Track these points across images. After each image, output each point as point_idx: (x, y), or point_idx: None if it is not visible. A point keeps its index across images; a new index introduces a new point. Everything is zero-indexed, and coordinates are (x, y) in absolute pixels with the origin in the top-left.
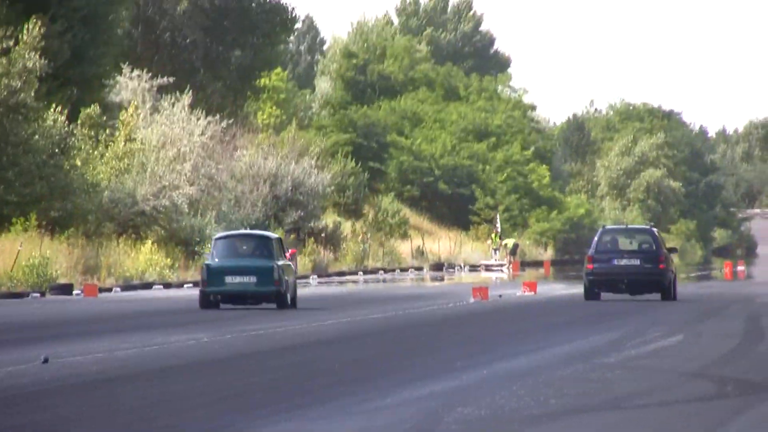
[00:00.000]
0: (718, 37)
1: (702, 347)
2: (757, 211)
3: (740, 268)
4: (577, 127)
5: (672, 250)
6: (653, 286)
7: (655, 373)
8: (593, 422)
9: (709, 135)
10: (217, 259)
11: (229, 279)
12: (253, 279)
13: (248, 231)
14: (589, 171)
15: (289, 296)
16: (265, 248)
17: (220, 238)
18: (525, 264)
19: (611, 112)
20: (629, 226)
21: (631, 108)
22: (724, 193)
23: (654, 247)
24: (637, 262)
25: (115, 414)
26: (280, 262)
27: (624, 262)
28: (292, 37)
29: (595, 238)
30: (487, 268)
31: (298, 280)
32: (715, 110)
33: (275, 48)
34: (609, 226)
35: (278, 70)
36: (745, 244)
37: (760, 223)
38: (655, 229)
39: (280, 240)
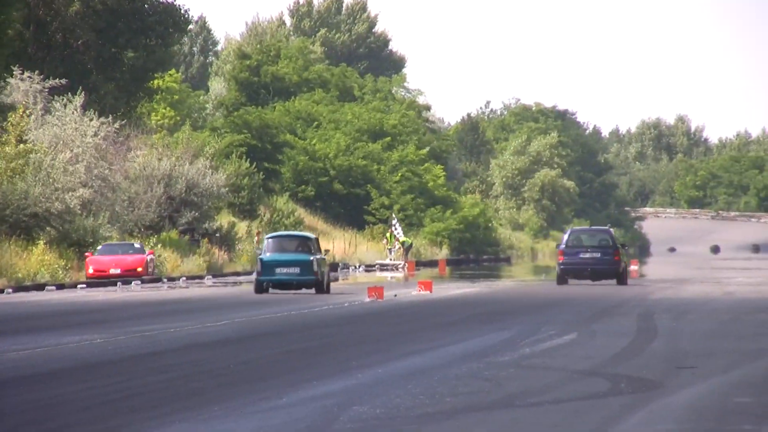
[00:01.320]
0: (611, 38)
1: (595, 345)
2: (650, 210)
3: (633, 267)
4: (471, 127)
5: (623, 245)
6: (610, 273)
7: (549, 372)
8: (487, 420)
9: (603, 135)
10: (268, 254)
11: (278, 270)
12: (296, 270)
13: (292, 232)
14: (484, 171)
15: (324, 283)
16: (306, 246)
17: (271, 237)
18: (420, 263)
19: (505, 113)
20: (591, 227)
21: (525, 108)
22: (618, 193)
23: (610, 243)
24: (597, 255)
25: (1, 417)
26: (317, 257)
27: (587, 255)
28: (185, 39)
29: (565, 236)
30: (383, 267)
31: (191, 281)
32: (609, 110)
33: (168, 49)
34: (575, 228)
35: (172, 71)
36: (638, 243)
37: (653, 222)
38: (611, 230)
39: (316, 239)
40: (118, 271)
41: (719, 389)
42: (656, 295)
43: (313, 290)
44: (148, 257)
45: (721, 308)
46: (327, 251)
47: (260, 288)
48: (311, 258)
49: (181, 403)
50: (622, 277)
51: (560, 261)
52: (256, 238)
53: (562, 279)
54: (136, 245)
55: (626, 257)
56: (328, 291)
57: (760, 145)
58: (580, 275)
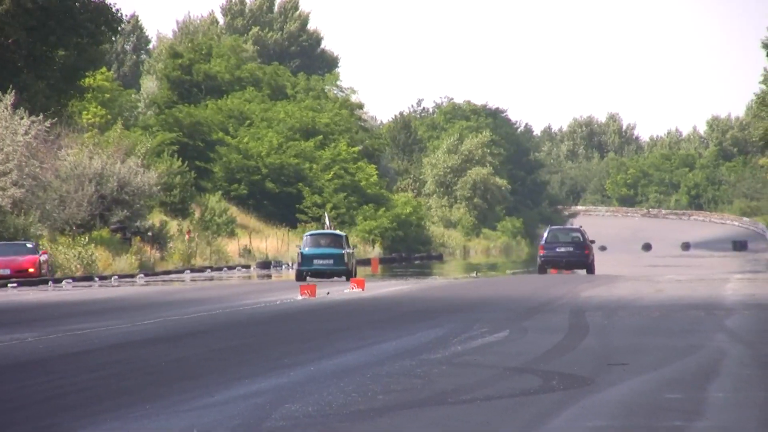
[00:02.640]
0: (543, 37)
1: (527, 342)
2: (582, 208)
3: None
4: (403, 125)
5: (592, 241)
6: (581, 264)
7: (481, 369)
8: (419, 417)
9: (535, 133)
10: (307, 248)
11: (315, 261)
12: (330, 261)
13: (327, 231)
14: (416, 169)
15: (353, 272)
16: (338, 242)
17: (309, 234)
18: None
19: (437, 111)
20: (566, 227)
21: (456, 107)
22: (549, 191)
23: (581, 240)
24: (571, 249)
25: None
26: (347, 251)
27: (563, 249)
28: (117, 37)
29: (545, 234)
30: None
31: (123, 279)
32: (541, 109)
33: (100, 48)
34: (553, 227)
35: (103, 69)
36: None
37: (584, 220)
38: (583, 228)
39: (346, 237)
40: (8, 271)
41: (650, 385)
42: (588, 292)
43: (343, 278)
44: (42, 257)
45: (651, 305)
46: (355, 247)
47: (300, 276)
48: (343, 252)
49: (113, 401)
50: (590, 267)
51: (541, 254)
52: (187, 236)
53: (542, 269)
54: (29, 245)
55: (592, 251)
56: (354, 277)
57: (691, 143)
58: (557, 266)
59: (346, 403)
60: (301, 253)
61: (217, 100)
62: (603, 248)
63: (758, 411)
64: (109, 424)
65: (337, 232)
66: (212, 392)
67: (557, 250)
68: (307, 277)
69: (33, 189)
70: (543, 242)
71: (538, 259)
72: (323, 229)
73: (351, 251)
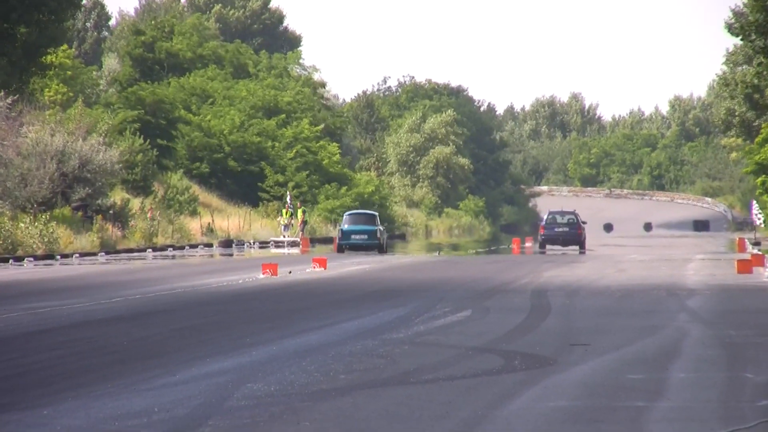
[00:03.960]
0: (506, 16)
1: (489, 322)
2: (545, 188)
3: (528, 244)
4: (366, 104)
5: (584, 223)
6: (575, 242)
7: (443, 349)
8: (381, 397)
9: (498, 113)
10: (346, 225)
11: (353, 236)
12: (365, 237)
13: (362, 210)
14: (379, 148)
15: (384, 246)
16: (372, 220)
17: (348, 214)
18: (315, 240)
19: (400, 90)
20: (562, 210)
21: (418, 86)
22: (512, 170)
23: (575, 221)
24: (566, 229)
25: None
26: (380, 228)
27: (560, 229)
28: (78, 14)
29: (545, 216)
30: (277, 244)
31: (84, 258)
32: (504, 88)
33: (61, 25)
34: (552, 210)
35: (65, 46)
36: (531, 221)
37: (547, 200)
38: (576, 212)
39: (378, 216)
40: None
41: (612, 366)
42: (550, 272)
43: (375, 251)
44: None
45: (613, 285)
46: (386, 224)
47: (340, 249)
48: (376, 228)
49: (74, 380)
50: (582, 244)
51: (541, 233)
52: (149, 214)
53: (542, 246)
54: None
55: (584, 231)
56: (386, 252)
57: (653, 123)
58: (555, 242)
59: (309, 383)
60: (341, 229)
61: (179, 78)
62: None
63: (719, 391)
64: (70, 403)
65: (372, 212)
66: (174, 371)
67: (555, 230)
68: (346, 250)
69: None
70: (543, 223)
71: (539, 237)
72: (285, 207)
73: (382, 228)
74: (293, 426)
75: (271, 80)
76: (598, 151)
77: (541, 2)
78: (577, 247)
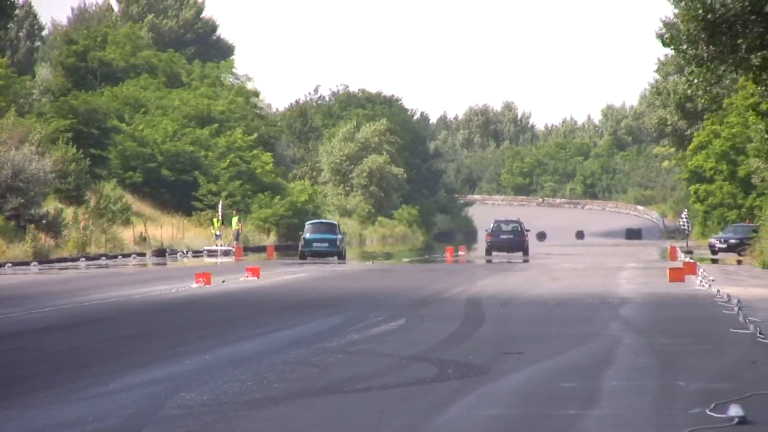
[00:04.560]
0: (438, 25)
1: (423, 331)
2: (478, 197)
3: (461, 252)
4: (300, 113)
5: (527, 230)
6: (519, 248)
7: (377, 357)
8: (315, 405)
9: (431, 121)
10: (308, 234)
11: (315, 244)
12: (326, 245)
13: (323, 220)
14: (312, 157)
15: (343, 254)
16: (332, 229)
17: (310, 223)
18: (248, 249)
19: (333, 99)
20: (507, 219)
21: (352, 95)
22: (446, 179)
23: (520, 229)
24: (511, 236)
25: None
26: (340, 236)
27: (505, 237)
28: (11, 24)
29: (491, 225)
30: (210, 253)
31: (17, 267)
32: (436, 97)
33: None
34: (498, 218)
35: None
36: (465, 229)
37: (480, 209)
38: (521, 220)
39: (338, 224)
40: None
41: (546, 374)
42: (484, 280)
43: (336, 258)
44: None
45: (547, 294)
46: (345, 233)
47: (303, 256)
48: (336, 237)
49: (7, 390)
50: (526, 250)
51: (488, 240)
52: (82, 224)
53: (489, 252)
54: None
55: (527, 237)
56: (344, 259)
57: (586, 132)
58: (500, 249)
59: (242, 392)
60: (304, 237)
61: (113, 87)
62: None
63: (651, 399)
64: (2, 413)
65: (333, 221)
66: (107, 381)
67: (501, 237)
68: (308, 257)
69: None
70: (490, 231)
71: (485, 243)
72: (217, 217)
73: (342, 236)
74: None
75: (205, 89)
76: (531, 160)
77: (474, 12)
78: (520, 253)
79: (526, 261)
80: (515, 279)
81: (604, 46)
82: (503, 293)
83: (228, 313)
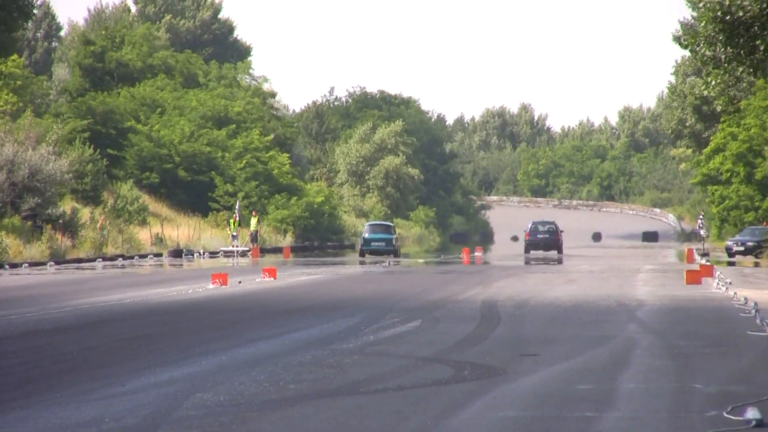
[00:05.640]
0: (455, 26)
1: (439, 332)
2: (494, 198)
3: (477, 253)
4: (316, 114)
5: (561, 231)
6: (554, 246)
7: (393, 359)
8: (331, 407)
9: (448, 123)
10: (367, 234)
11: (373, 243)
12: (383, 243)
13: (381, 222)
14: (329, 158)
15: (398, 252)
16: (388, 230)
17: (369, 224)
18: (265, 250)
19: (350, 100)
20: (543, 220)
21: (367, 96)
22: (462, 181)
23: (555, 229)
24: (547, 235)
25: None
26: (395, 236)
27: (541, 236)
28: (29, 24)
29: (529, 225)
30: (227, 254)
31: (34, 267)
32: (453, 99)
33: (12, 34)
34: (535, 220)
35: (14, 56)
36: (481, 231)
37: (497, 210)
38: (555, 221)
39: (394, 226)
40: None
41: (561, 376)
42: (499, 282)
43: (392, 256)
44: None
45: (563, 296)
46: (399, 233)
47: (362, 254)
48: (392, 236)
49: (22, 389)
50: (560, 248)
51: (527, 239)
52: (99, 224)
53: (527, 250)
54: None
55: (562, 236)
56: (399, 257)
57: (602, 134)
58: (537, 248)
59: (258, 393)
60: (363, 237)
61: (130, 87)
62: (515, 238)
63: (668, 401)
64: (18, 412)
65: (389, 222)
66: (123, 381)
67: (538, 236)
68: (366, 255)
69: None
70: (528, 230)
71: (524, 242)
72: (234, 217)
73: (397, 236)
74: None
75: (221, 90)
76: (547, 162)
77: (491, 13)
78: (555, 252)
79: (560, 257)
80: (531, 281)
81: (621, 48)
82: (519, 295)
83: (244, 314)
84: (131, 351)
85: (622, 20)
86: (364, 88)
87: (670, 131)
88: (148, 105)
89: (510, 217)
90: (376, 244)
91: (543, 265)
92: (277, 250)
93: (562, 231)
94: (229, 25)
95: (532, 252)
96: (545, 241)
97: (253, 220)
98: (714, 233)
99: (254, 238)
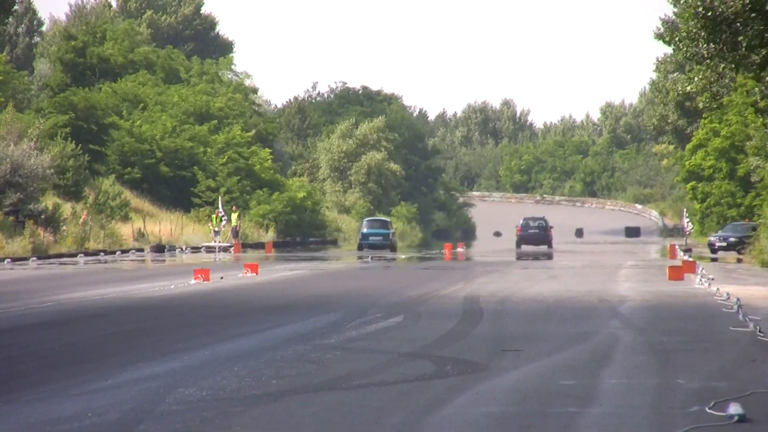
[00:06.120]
0: (437, 22)
1: (421, 328)
2: (477, 194)
3: (459, 249)
4: (298, 110)
5: (551, 227)
6: (544, 241)
7: (375, 354)
8: (313, 402)
9: (430, 119)
10: (365, 229)
11: (370, 238)
12: (380, 238)
13: (378, 218)
14: (311, 154)
15: (395, 246)
16: (385, 225)
17: (367, 220)
18: (247, 245)
19: (332, 96)
20: (534, 216)
21: (349, 91)
22: (444, 177)
23: (545, 225)
24: (537, 231)
25: None
26: (391, 231)
27: (532, 231)
28: (10, 19)
29: (521, 221)
30: (209, 249)
31: (16, 263)
32: (435, 94)
33: None
34: (526, 216)
35: None
36: (463, 227)
37: (479, 206)
38: (545, 217)
39: (391, 222)
40: None
41: (544, 372)
42: (482, 278)
43: (388, 250)
44: None
45: (545, 292)
46: (395, 229)
47: (360, 248)
48: (389, 232)
49: (5, 385)
50: (550, 243)
51: (518, 233)
52: (81, 219)
53: (518, 244)
54: None
55: (551, 232)
56: (396, 251)
57: (585, 130)
58: (528, 242)
59: (240, 388)
60: (361, 232)
61: (111, 83)
62: (498, 234)
63: (650, 397)
64: (1, 408)
65: (386, 218)
66: (105, 376)
67: (529, 231)
68: (364, 248)
69: None
70: (519, 226)
71: (516, 237)
72: (216, 213)
73: (393, 232)
74: (225, 431)
75: (203, 86)
76: (529, 158)
77: (473, 9)
78: (545, 246)
79: (550, 250)
80: (514, 277)
81: (603, 44)
82: (501, 291)
83: (226, 310)
84: (113, 346)
85: (604, 16)
86: (346, 83)
87: (652, 127)
88: (130, 100)
89: (492, 213)
90: (374, 238)
91: (525, 261)
92: (259, 246)
93: (551, 227)
94: (210, 20)
95: (523, 246)
96: (536, 236)
97: (234, 216)
98: (696, 229)
99: (235, 233)
